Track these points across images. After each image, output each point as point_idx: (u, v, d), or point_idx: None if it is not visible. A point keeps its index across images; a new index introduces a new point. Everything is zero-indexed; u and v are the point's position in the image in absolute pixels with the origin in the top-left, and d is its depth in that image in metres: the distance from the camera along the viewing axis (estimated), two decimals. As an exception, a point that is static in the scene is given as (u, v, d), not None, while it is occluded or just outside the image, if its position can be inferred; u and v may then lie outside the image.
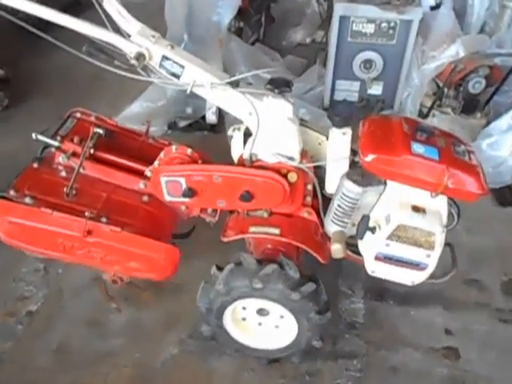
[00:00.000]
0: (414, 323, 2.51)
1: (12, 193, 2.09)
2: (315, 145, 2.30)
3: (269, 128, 2.04)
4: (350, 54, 3.76)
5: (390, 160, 1.85)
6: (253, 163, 2.14)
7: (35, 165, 2.25)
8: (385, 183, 1.95)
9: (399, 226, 1.85)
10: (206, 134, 3.85)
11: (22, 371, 2.35)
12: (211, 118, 3.79)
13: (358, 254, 2.20)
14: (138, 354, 2.44)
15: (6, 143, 3.59)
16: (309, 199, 2.27)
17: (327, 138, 2.20)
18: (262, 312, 2.33)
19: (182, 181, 2.14)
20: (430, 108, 3.71)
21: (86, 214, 2.08)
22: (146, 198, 2.27)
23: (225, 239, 2.27)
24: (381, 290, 2.68)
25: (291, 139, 2.08)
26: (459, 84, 3.62)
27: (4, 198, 2.09)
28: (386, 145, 1.89)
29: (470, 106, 3.68)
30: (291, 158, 2.11)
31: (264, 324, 2.37)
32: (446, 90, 3.65)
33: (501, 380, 2.36)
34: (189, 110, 3.86)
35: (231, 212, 2.36)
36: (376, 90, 3.90)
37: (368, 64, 3.76)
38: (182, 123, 3.88)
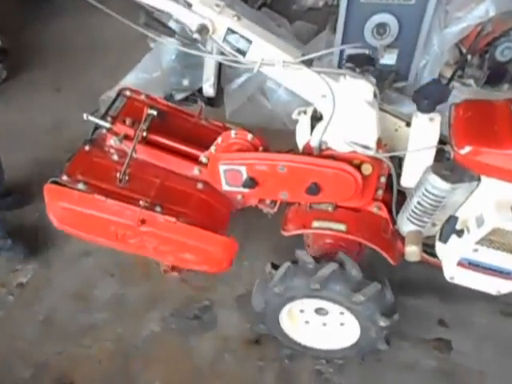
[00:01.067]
0: (405, 312, 2.24)
1: (65, 178, 1.93)
2: (391, 131, 2.03)
3: (344, 112, 1.74)
4: (361, 18, 3.21)
5: (493, 153, 1.58)
6: (322, 152, 1.91)
7: (87, 147, 2.07)
8: (478, 179, 1.69)
9: (494, 230, 1.60)
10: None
11: (11, 339, 2.38)
12: (209, 90, 3.46)
13: (433, 255, 1.98)
14: (120, 329, 2.40)
15: (5, 115, 3.49)
16: (380, 193, 2.02)
17: (407, 124, 1.96)
18: (320, 311, 2.14)
19: (243, 170, 1.93)
20: (450, 79, 3.18)
21: (141, 202, 1.91)
22: (200, 186, 2.08)
23: (285, 233, 2.07)
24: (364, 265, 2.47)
25: (369, 125, 1.81)
26: (485, 50, 3.10)
27: (57, 183, 1.92)
28: (487, 135, 1.61)
29: (496, 76, 3.16)
30: (366, 147, 1.85)
31: (323, 323, 2.18)
32: (469, 57, 3.13)
33: (494, 376, 2.17)
34: (185, 82, 3.55)
35: (290, 203, 2.15)
36: (389, 59, 3.31)
37: (381, 29, 3.19)
38: (179, 96, 3.58)
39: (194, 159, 2.09)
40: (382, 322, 1.98)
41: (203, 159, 2.07)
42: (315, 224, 2.01)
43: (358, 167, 1.88)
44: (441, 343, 2.28)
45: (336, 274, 1.93)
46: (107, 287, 2.55)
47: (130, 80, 3.48)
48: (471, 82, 3.28)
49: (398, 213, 1.99)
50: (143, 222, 1.94)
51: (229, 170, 1.95)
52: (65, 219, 1.98)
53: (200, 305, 2.45)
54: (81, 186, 1.92)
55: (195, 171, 2.07)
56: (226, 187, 2.02)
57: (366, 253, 2.19)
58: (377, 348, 2.11)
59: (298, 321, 2.18)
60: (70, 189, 1.92)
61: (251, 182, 1.94)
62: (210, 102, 3.60)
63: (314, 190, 1.90)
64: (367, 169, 1.90)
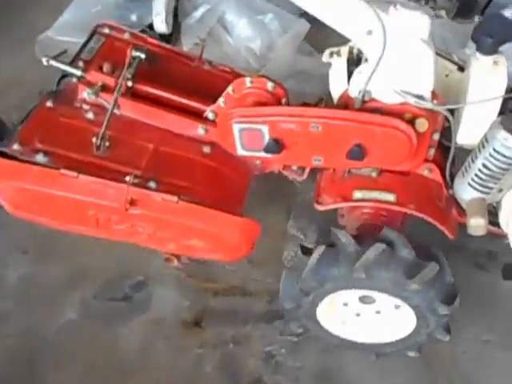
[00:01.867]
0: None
1: (16, 147, 1.40)
2: (440, 77, 1.55)
3: (394, 54, 1.33)
4: None
5: None
6: (365, 105, 1.41)
7: (49, 103, 1.53)
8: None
9: None
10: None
11: None
12: (160, 26, 2.80)
13: (493, 223, 1.55)
14: (27, 321, 1.89)
15: None
16: (432, 152, 1.55)
17: (459, 68, 1.59)
18: (366, 300, 1.69)
19: (265, 130, 1.42)
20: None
21: (128, 178, 1.39)
22: (207, 150, 1.56)
23: (321, 207, 1.59)
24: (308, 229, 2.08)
25: (425, 70, 1.35)
26: (454, -19, 2.85)
27: (5, 154, 1.39)
28: None
29: (466, 7, 2.88)
30: (421, 98, 1.38)
31: (371, 313, 1.73)
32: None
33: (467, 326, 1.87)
34: (133, 18, 2.89)
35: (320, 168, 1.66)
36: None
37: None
38: (126, 34, 2.91)
39: (198, 115, 1.56)
40: (442, 310, 1.56)
41: (209, 115, 1.54)
42: (357, 195, 1.56)
43: (411, 123, 1.42)
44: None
45: (384, 256, 1.48)
46: (17, 267, 2.01)
47: (68, 18, 2.81)
48: (442, 13, 2.92)
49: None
50: (133, 203, 1.43)
51: (246, 130, 1.44)
52: (21, 203, 1.47)
53: (132, 281, 1.96)
54: (40, 157, 1.40)
55: (200, 131, 1.55)
56: (241, 151, 1.51)
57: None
58: (435, 338, 1.68)
59: (341, 314, 1.72)
60: (24, 163, 1.40)
61: (276, 146, 1.44)
62: (163, 39, 2.93)
63: (358, 153, 1.43)
64: (422, 125, 1.44)
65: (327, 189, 1.62)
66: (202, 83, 1.65)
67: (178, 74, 1.66)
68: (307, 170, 1.62)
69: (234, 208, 1.51)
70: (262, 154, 1.48)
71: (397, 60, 1.35)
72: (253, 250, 1.57)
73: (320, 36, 2.30)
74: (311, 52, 2.50)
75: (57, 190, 1.43)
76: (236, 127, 1.44)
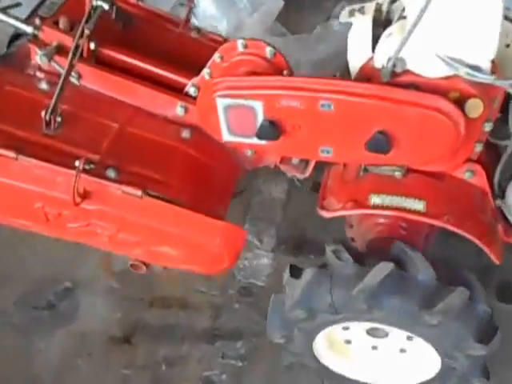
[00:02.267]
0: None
1: None
2: (500, 48, 1.17)
3: (442, 5, 0.97)
4: None
5: None
6: (396, 78, 1.05)
7: (-6, 68, 1.22)
8: None
9: None
10: None
11: None
12: None
13: None
14: None
15: None
16: (478, 149, 1.19)
17: None
18: (375, 332, 1.34)
19: (258, 107, 1.08)
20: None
21: (77, 163, 1.07)
22: (186, 134, 1.24)
23: (326, 214, 1.26)
24: (300, 241, 1.78)
25: (487, 28, 0.98)
26: None
27: None
28: None
29: None
30: (477, 69, 1.01)
31: (380, 349, 1.39)
32: None
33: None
34: None
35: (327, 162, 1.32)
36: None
37: None
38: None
39: (177, 90, 1.23)
40: (475, 350, 1.20)
41: (191, 90, 1.21)
42: (375, 200, 1.21)
43: (459, 104, 1.05)
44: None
45: (392, 280, 1.14)
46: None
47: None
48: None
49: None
50: (86, 195, 1.11)
51: (233, 108, 1.10)
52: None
53: (58, 288, 1.70)
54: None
55: (178, 110, 1.23)
56: (228, 137, 1.18)
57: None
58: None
59: (344, 350, 1.38)
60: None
61: (272, 130, 1.10)
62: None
63: (382, 143, 1.07)
64: (475, 107, 1.06)
65: (335, 190, 1.28)
66: (185, 53, 1.32)
67: (157, 40, 1.34)
68: (311, 165, 1.28)
69: (214, 209, 1.17)
70: (254, 141, 1.14)
71: (447, 14, 0.98)
72: (236, 262, 1.25)
73: (294, 15, 2.03)
74: (284, 33, 2.16)
75: (-9, 176, 1.12)
76: (221, 103, 1.10)
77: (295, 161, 1.28)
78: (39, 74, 1.23)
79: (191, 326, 1.62)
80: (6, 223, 1.26)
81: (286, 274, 1.26)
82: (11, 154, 1.09)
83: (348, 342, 1.35)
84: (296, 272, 1.25)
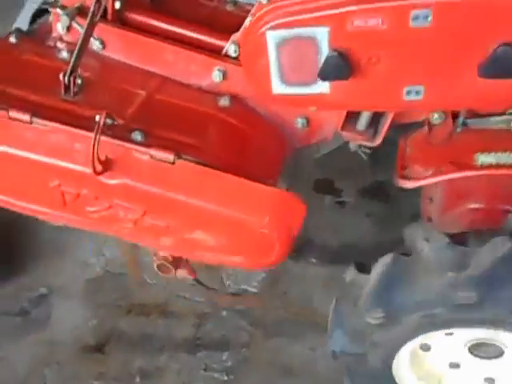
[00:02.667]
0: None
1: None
2: None
3: None
4: None
5: None
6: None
7: (12, 39, 1.10)
8: None
9: None
10: None
11: None
12: None
13: None
14: None
15: None
16: None
17: None
18: (483, 350, 1.04)
19: (322, 35, 0.86)
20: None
21: (97, 117, 0.89)
22: (225, 102, 1.05)
23: (411, 183, 1.03)
24: (300, 242, 1.41)
25: None
26: None
27: None
28: None
29: None
30: None
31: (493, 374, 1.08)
32: None
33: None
34: None
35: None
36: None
37: None
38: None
39: (213, 52, 1.07)
40: None
41: (231, 49, 1.04)
42: (483, 159, 0.98)
43: None
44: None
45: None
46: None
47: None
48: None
49: None
50: (108, 164, 0.93)
51: (288, 42, 0.89)
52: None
53: (33, 294, 1.58)
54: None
55: (215, 75, 1.05)
56: (279, 87, 0.96)
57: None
58: None
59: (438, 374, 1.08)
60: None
61: (341, 64, 0.86)
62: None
63: (508, 59, 0.81)
64: None
65: (421, 156, 1.04)
66: (220, 26, 1.17)
67: (189, 13, 1.19)
68: (384, 128, 1.05)
69: (263, 176, 0.97)
70: (314, 90, 0.91)
71: None
72: (290, 252, 1.01)
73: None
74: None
75: (5, 145, 0.96)
76: (273, 38, 0.88)
77: (361, 125, 1.06)
78: (60, 45, 1.10)
79: (171, 335, 1.46)
80: (17, 209, 1.08)
81: (350, 272, 1.01)
82: (25, 116, 0.93)
83: (452, 365, 1.04)
84: (362, 266, 1.01)
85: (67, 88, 0.98)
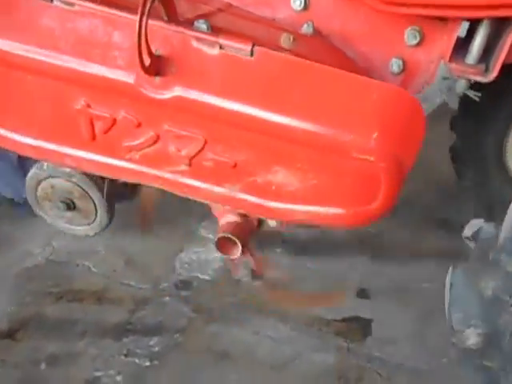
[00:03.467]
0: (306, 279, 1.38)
1: None
2: None
3: None
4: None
5: None
6: None
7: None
8: None
9: None
10: None
11: None
12: None
13: None
14: None
15: None
16: None
17: None
18: None
19: None
20: None
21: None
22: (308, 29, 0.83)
23: None
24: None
25: None
26: None
27: None
28: None
29: None
30: None
31: None
32: None
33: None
34: None
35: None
36: None
37: None
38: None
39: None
40: None
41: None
42: None
43: None
44: (351, 326, 1.33)
45: None
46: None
47: None
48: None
49: None
50: (158, 64, 0.67)
51: None
52: None
53: None
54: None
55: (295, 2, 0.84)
56: None
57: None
58: None
59: None
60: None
61: None
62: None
63: None
64: None
65: None
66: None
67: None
68: (498, 64, 0.82)
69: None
70: None
71: None
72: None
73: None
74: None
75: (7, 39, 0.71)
76: None
77: (472, 58, 0.83)
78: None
79: (100, 321, 1.36)
80: (32, 154, 0.79)
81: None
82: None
83: None
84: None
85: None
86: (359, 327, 1.27)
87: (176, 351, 1.27)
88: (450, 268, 0.80)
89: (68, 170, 0.84)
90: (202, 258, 1.49)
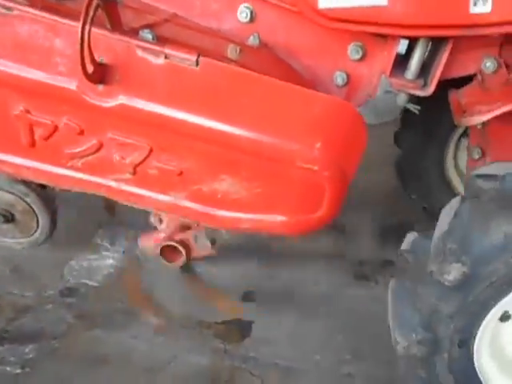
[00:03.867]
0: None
1: None
2: None
3: None
4: None
5: None
6: None
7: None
8: None
9: None
10: None
11: None
12: None
13: None
14: None
15: None
16: None
17: None
18: None
19: None
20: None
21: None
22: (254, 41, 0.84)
23: (476, 119, 0.91)
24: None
25: None
26: None
27: None
28: None
29: None
30: None
31: None
32: None
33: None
34: None
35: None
36: None
37: None
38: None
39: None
40: None
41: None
42: None
43: None
44: (235, 328, 1.31)
45: None
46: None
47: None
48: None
49: None
50: (101, 72, 0.66)
51: None
52: None
53: None
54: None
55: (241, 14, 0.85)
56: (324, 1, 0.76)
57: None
58: None
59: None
60: None
61: None
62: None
63: None
64: None
65: (481, 98, 0.92)
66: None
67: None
68: (435, 79, 0.87)
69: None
70: (367, 1, 0.74)
71: None
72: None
73: None
74: None
75: None
76: None
77: (411, 74, 0.87)
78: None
79: None
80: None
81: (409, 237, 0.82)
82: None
83: None
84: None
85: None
86: (239, 329, 1.25)
87: (50, 358, 1.23)
88: (391, 282, 0.83)
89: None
90: (94, 265, 1.45)
